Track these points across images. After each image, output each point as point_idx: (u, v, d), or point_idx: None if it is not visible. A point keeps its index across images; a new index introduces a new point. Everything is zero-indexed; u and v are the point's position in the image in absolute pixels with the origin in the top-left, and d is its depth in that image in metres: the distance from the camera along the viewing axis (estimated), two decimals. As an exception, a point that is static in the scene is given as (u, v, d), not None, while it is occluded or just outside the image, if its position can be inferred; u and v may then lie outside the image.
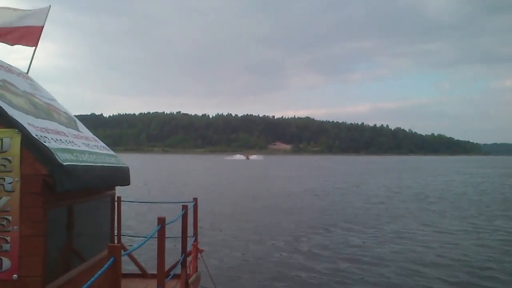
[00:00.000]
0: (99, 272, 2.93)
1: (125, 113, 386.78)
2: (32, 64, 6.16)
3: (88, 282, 2.78)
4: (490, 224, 19.09)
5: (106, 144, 6.05)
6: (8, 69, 5.27)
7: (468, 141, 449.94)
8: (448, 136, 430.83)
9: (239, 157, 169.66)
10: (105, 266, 3.00)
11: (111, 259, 3.04)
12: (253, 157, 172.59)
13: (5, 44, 6.17)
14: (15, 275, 3.84)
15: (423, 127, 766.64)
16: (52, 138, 4.29)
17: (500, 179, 52.41)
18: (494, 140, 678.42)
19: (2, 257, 3.84)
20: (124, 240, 7.76)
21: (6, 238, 3.85)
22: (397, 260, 12.52)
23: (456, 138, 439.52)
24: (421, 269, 11.57)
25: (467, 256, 13.07)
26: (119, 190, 6.30)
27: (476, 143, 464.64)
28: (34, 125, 4.20)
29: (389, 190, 35.52)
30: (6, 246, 3.85)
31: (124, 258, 7.53)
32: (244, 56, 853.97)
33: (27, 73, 6.01)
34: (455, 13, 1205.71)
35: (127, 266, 8.03)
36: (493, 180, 50.47)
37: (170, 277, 6.22)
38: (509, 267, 11.86)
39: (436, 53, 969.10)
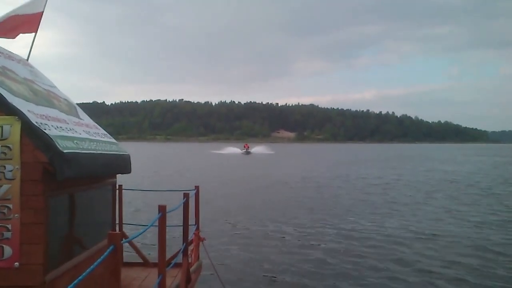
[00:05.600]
0: (99, 260, 2.92)
1: (127, 101, 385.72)
2: (32, 51, 6.09)
3: (88, 270, 2.77)
4: None
5: (108, 132, 6.02)
6: (8, 55, 5.22)
7: (476, 129, 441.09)
8: (455, 123, 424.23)
9: (233, 150, 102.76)
10: (105, 254, 2.99)
11: (111, 247, 3.04)
12: (256, 149, 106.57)
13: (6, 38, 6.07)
14: (16, 263, 3.85)
15: (430, 115, 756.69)
16: (52, 126, 4.27)
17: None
18: (503, 127, 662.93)
19: (3, 245, 3.85)
20: (125, 228, 7.77)
21: (7, 226, 3.86)
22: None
23: (463, 125, 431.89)
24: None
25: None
26: (120, 178, 6.29)
27: (484, 131, 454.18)
28: (34, 112, 4.17)
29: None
30: (7, 234, 3.86)
31: (126, 247, 7.60)
32: (247, 42, 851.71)
33: (27, 60, 5.95)
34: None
35: (129, 255, 8.06)
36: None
37: (171, 265, 6.23)
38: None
39: (445, 38, 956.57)
